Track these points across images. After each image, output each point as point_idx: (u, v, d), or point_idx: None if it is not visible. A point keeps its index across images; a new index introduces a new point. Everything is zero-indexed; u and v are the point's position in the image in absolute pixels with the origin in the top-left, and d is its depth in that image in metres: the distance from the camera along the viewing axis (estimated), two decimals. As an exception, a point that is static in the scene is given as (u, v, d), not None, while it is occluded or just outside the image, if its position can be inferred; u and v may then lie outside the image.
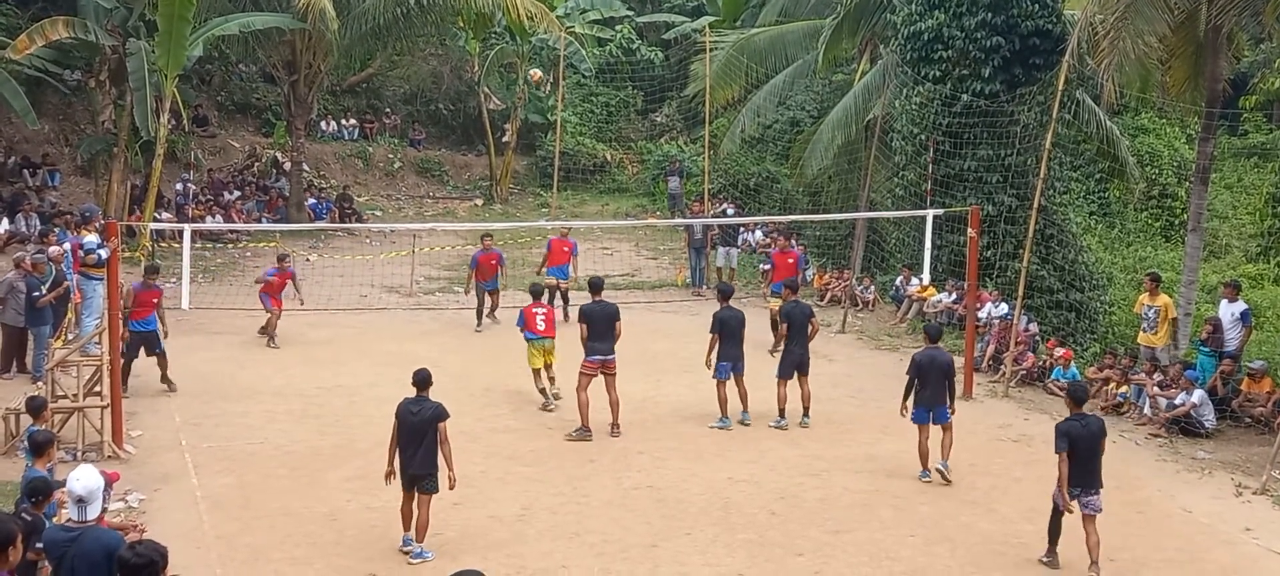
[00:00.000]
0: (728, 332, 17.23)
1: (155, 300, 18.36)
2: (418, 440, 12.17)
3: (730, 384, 17.39)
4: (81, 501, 8.39)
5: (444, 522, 13.34)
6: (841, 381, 20.45)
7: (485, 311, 23.60)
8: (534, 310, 18.04)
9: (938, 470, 15.23)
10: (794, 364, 17.59)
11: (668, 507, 14.24)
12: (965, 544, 13.41)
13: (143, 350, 18.07)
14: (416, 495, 12.29)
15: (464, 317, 23.93)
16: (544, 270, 24.17)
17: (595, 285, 17.35)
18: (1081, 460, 12.33)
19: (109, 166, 29.73)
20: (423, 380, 12.45)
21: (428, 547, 12.40)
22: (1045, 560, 12.85)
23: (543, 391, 18.00)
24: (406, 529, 12.48)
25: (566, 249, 24.38)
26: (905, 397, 15.39)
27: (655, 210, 37.32)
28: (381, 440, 15.74)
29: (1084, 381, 13.34)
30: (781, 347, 18.30)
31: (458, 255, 30.76)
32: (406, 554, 12.40)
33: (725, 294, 18.13)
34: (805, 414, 17.57)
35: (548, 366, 18.13)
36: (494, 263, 23.57)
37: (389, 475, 12.38)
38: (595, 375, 16.60)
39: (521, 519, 13.64)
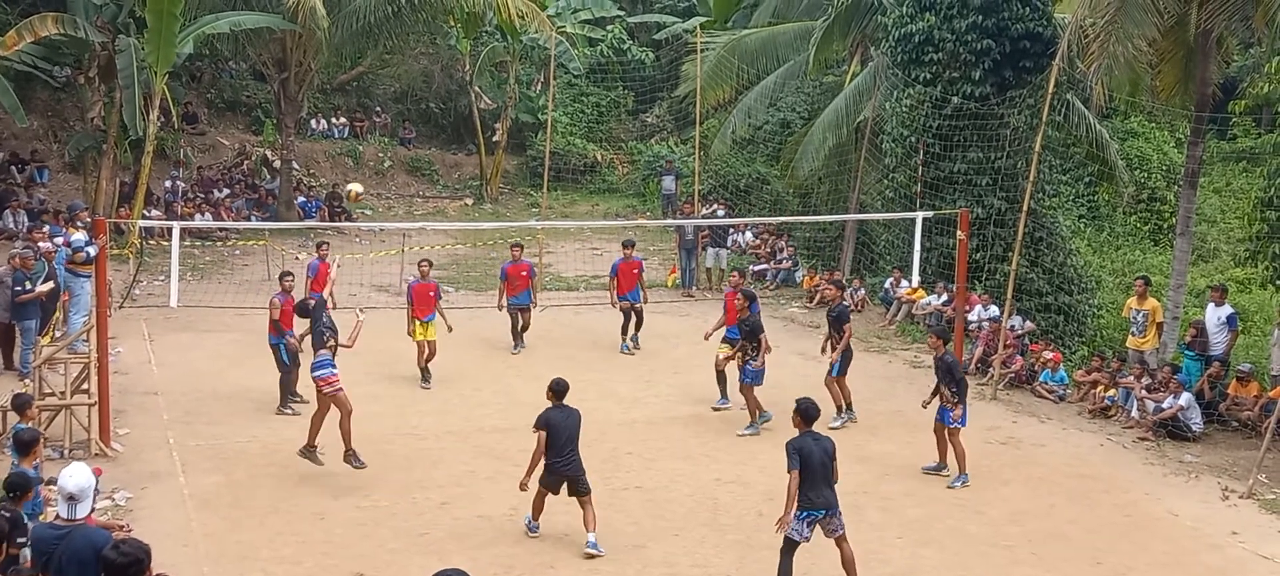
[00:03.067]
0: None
1: None
2: (572, 444, 12.82)
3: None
4: (72, 498, 8.37)
5: (432, 522, 13.36)
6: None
7: (520, 331, 21.90)
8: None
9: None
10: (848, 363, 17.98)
11: (656, 508, 14.26)
12: (953, 546, 13.44)
13: None
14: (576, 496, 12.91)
15: (453, 317, 23.84)
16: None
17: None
18: (815, 479, 11.62)
19: (98, 163, 29.66)
20: (562, 389, 12.98)
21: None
22: None
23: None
24: (536, 516, 13.12)
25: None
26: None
27: (646, 211, 37.30)
28: (369, 438, 15.82)
29: (814, 402, 12.39)
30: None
31: (447, 255, 30.71)
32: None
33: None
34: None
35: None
36: (525, 274, 21.79)
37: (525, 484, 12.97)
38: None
39: (510, 518, 13.64)
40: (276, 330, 17.44)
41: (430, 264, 20.90)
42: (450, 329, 19.76)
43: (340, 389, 14.43)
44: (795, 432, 11.98)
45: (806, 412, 12.03)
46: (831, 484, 11.77)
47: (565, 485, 12.85)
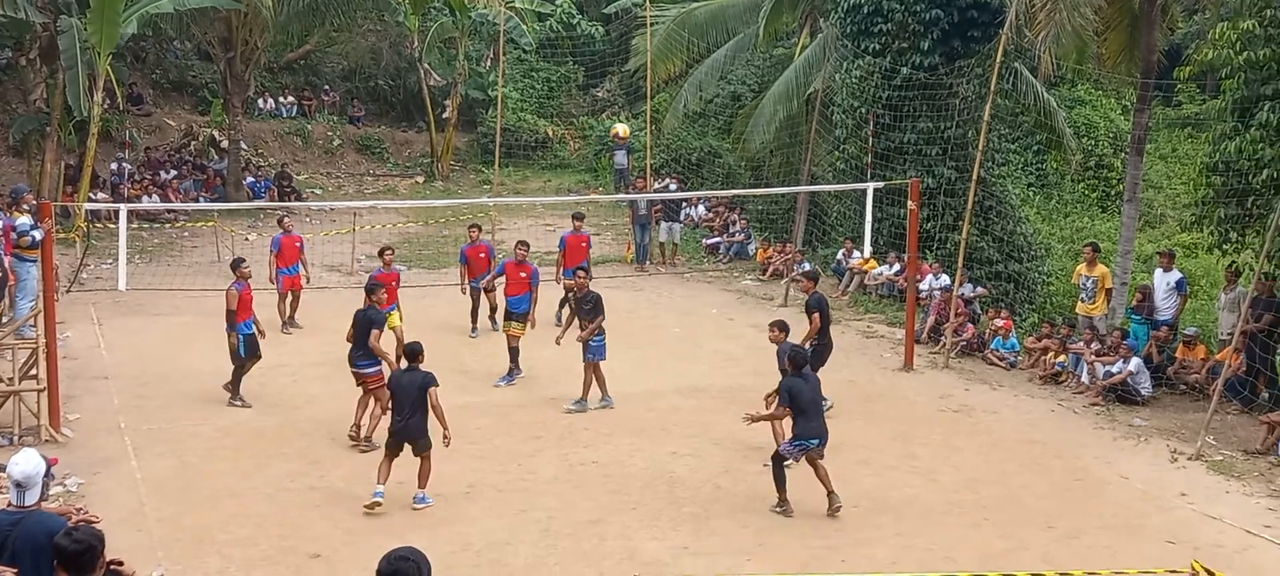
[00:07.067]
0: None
1: None
2: (410, 407, 13.12)
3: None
4: (20, 486, 8.25)
5: (389, 501, 13.32)
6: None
7: (489, 313, 21.28)
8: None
9: None
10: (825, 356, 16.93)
11: (613, 483, 14.29)
12: (908, 513, 13.55)
13: None
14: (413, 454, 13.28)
15: (406, 296, 23.72)
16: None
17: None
18: (809, 412, 13.18)
19: (42, 146, 29.25)
20: (414, 352, 13.42)
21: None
22: (779, 509, 13.39)
23: None
24: (380, 482, 13.20)
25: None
26: None
27: (598, 187, 37.25)
28: (324, 420, 15.80)
29: (803, 348, 14.17)
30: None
31: (399, 233, 30.53)
32: (373, 508, 13.07)
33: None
34: None
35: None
36: (483, 255, 21.38)
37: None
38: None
39: (467, 496, 13.64)
40: (230, 320, 16.82)
41: (392, 250, 20.70)
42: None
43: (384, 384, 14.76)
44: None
45: (794, 358, 13.62)
46: (822, 415, 13.45)
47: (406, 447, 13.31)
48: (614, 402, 17.09)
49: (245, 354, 16.94)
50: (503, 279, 19.43)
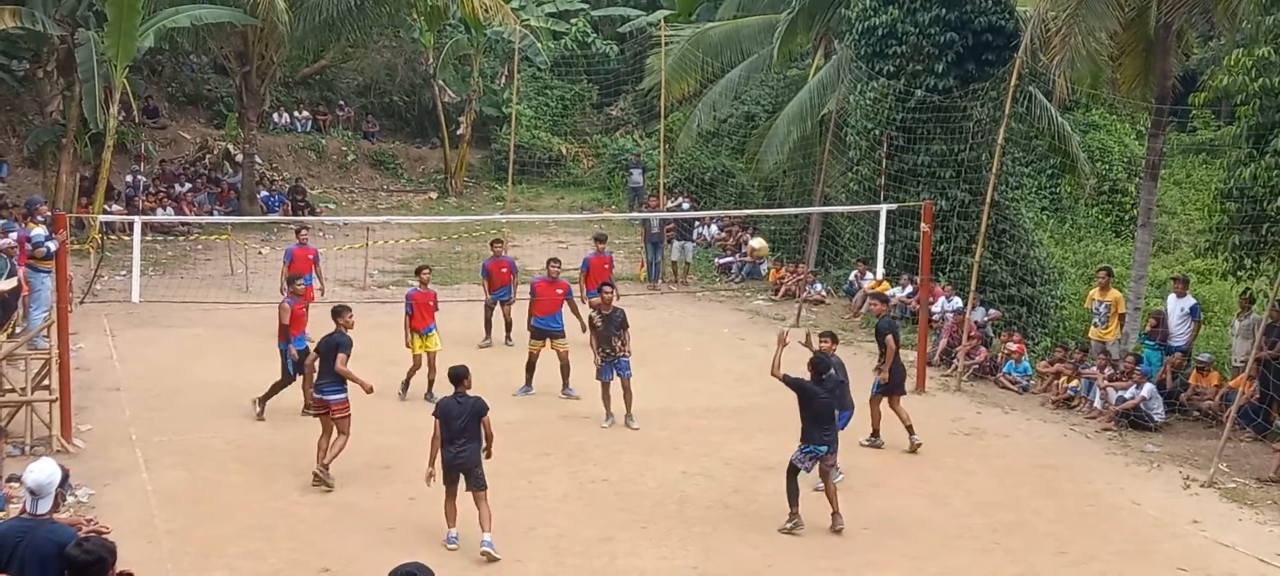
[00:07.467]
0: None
1: None
2: (464, 435, 12.41)
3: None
4: (33, 493, 8.27)
5: (399, 518, 13.32)
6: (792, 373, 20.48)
7: (506, 327, 21.37)
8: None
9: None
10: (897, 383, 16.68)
11: (624, 501, 14.26)
12: (919, 537, 13.51)
13: None
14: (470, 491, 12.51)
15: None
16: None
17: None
18: (821, 419, 13.29)
19: (57, 158, 29.34)
20: (459, 376, 12.71)
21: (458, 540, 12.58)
22: (789, 524, 13.36)
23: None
24: (451, 525, 12.62)
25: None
26: None
27: (611, 204, 37.28)
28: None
29: (825, 353, 14.09)
30: None
31: (412, 249, 30.60)
32: (451, 548, 12.50)
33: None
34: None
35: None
36: (505, 270, 21.39)
37: (430, 476, 12.55)
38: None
39: (475, 513, 13.59)
40: (284, 335, 16.84)
41: (429, 270, 19.79)
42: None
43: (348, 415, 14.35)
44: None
45: (817, 365, 13.65)
46: (834, 424, 13.57)
47: (462, 478, 12.55)
48: (615, 421, 17.04)
49: (293, 371, 16.84)
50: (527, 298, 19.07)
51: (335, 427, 14.35)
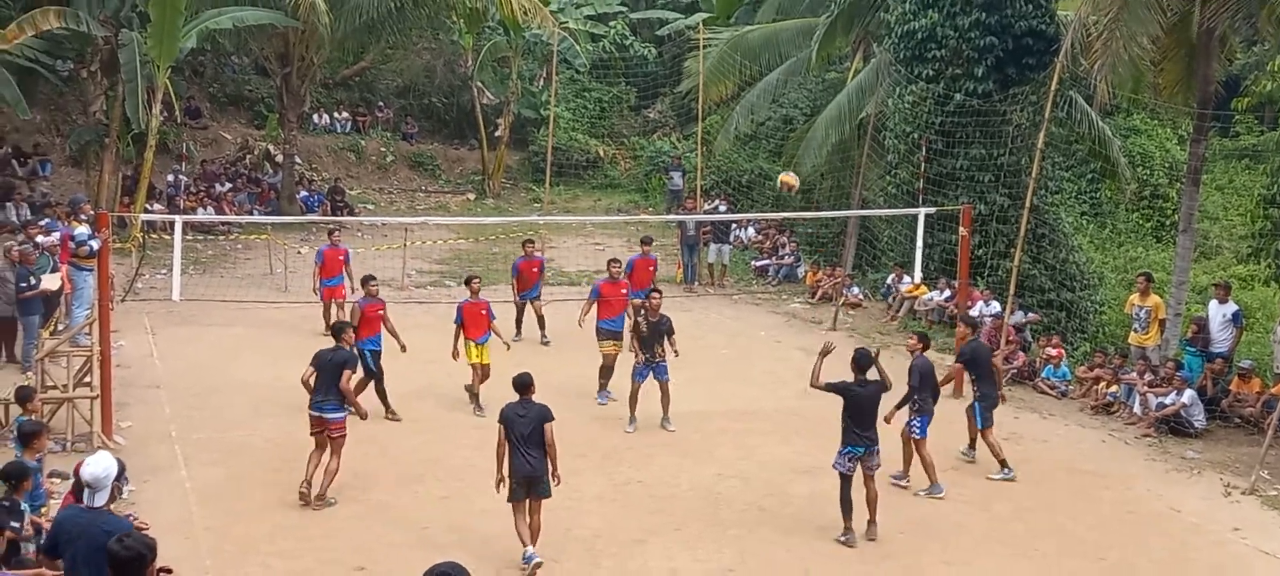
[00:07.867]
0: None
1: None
2: (528, 442, 12.00)
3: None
4: (90, 487, 8.43)
5: (432, 517, 13.37)
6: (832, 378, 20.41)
7: (538, 325, 21.75)
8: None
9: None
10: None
11: (658, 503, 14.26)
12: (956, 542, 13.44)
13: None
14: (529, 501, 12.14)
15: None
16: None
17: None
18: (863, 418, 13.09)
19: (100, 157, 29.64)
20: (525, 383, 12.35)
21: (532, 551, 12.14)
22: (843, 538, 13.15)
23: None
24: (525, 542, 12.13)
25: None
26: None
27: (648, 206, 37.27)
28: (372, 434, 15.80)
29: (868, 349, 13.69)
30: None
31: (449, 249, 30.72)
32: (525, 569, 12.05)
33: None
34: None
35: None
36: (536, 270, 21.95)
37: (500, 482, 12.13)
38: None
39: (510, 513, 13.61)
40: (358, 336, 16.55)
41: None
42: (508, 347, 18.38)
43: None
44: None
45: (859, 361, 13.35)
46: (874, 425, 13.17)
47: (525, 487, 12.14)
48: (638, 427, 16.99)
49: (373, 368, 16.99)
50: (594, 304, 18.81)
51: (330, 448, 13.86)
